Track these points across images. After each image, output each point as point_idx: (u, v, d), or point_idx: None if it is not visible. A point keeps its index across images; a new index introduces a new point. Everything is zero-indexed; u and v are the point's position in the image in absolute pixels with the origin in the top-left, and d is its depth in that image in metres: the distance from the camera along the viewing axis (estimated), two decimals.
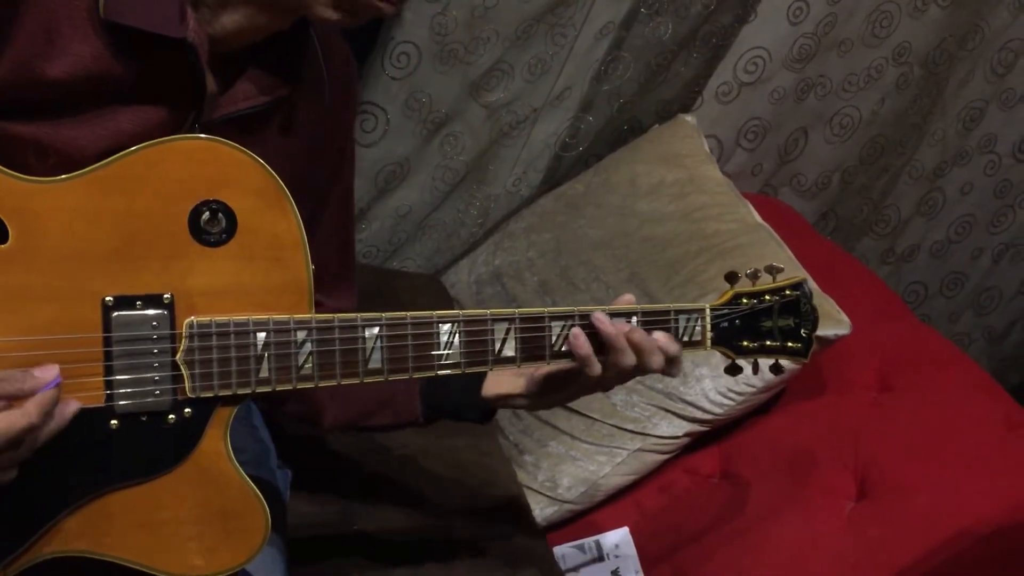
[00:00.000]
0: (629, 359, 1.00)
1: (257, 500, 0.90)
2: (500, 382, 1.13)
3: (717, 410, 1.58)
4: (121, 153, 0.83)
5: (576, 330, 0.98)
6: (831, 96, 2.12)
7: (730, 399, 1.57)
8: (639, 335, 1.00)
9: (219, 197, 0.85)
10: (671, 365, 1.03)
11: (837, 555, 1.43)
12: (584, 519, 1.64)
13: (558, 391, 1.08)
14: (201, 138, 0.86)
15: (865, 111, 2.16)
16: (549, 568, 1.44)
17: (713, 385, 1.58)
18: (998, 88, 2.24)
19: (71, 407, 0.81)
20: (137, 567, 0.89)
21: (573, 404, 1.54)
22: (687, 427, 1.60)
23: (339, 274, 1.16)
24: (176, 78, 0.88)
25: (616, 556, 1.56)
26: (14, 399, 0.78)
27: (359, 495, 1.39)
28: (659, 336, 1.01)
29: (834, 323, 1.57)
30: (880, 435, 1.55)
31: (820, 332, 1.53)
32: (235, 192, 0.85)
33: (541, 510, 1.60)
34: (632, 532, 1.58)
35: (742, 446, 1.63)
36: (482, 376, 1.13)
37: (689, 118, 2.03)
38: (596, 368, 1.00)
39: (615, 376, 1.02)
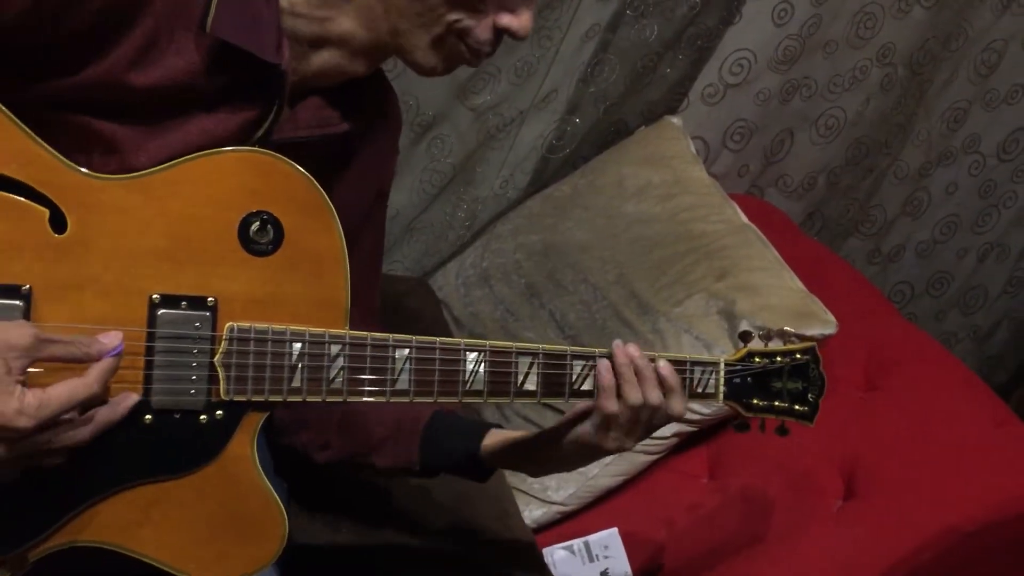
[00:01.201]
0: (635, 394, 1.00)
1: (277, 509, 0.92)
2: (502, 437, 1.13)
3: (705, 410, 1.58)
4: (181, 159, 0.86)
5: (604, 362, 1.00)
6: (816, 97, 2.13)
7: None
8: (642, 362, 1.00)
9: (269, 209, 0.88)
10: (671, 397, 1.02)
11: (826, 553, 1.43)
12: (573, 520, 1.64)
13: (556, 445, 1.07)
14: (258, 151, 0.89)
15: (850, 112, 2.17)
16: (539, 569, 1.44)
17: None
18: (982, 88, 2.26)
19: (130, 398, 0.85)
20: (151, 562, 0.90)
21: (561, 405, 1.55)
22: (675, 427, 1.60)
23: (362, 314, 1.15)
24: (254, 100, 0.91)
25: (605, 557, 1.57)
26: (81, 362, 0.80)
27: (349, 502, 1.39)
28: (660, 365, 1.02)
29: (821, 323, 1.57)
30: (867, 434, 1.56)
31: (807, 332, 1.55)
32: (285, 206, 0.88)
33: (531, 512, 1.60)
34: (621, 532, 1.58)
35: (730, 447, 1.64)
36: (482, 434, 1.14)
37: (675, 120, 2.03)
38: (613, 405, 1.00)
39: (624, 423, 1.02)
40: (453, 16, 0.90)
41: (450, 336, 1.88)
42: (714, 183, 1.95)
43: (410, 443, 1.15)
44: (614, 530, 1.58)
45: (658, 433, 1.57)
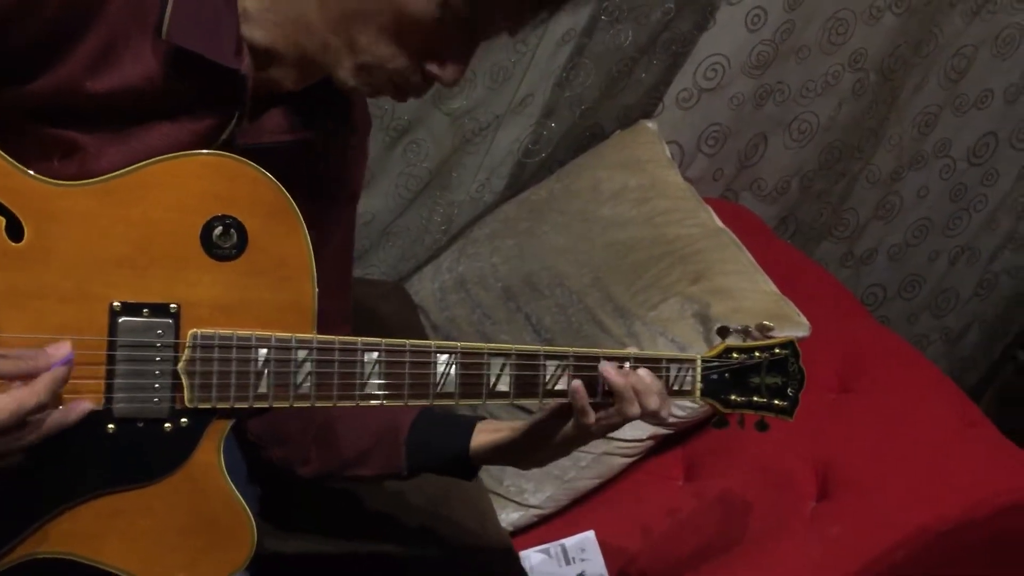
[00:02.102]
0: (634, 409, 1.01)
1: (245, 516, 0.91)
2: (488, 437, 1.14)
3: (680, 413, 1.59)
4: (141, 163, 0.84)
5: (577, 382, 1.00)
6: (789, 102, 2.14)
7: (693, 403, 1.59)
8: (635, 378, 1.01)
9: (233, 213, 0.86)
10: (661, 402, 1.04)
11: (800, 553, 1.44)
12: (550, 523, 1.64)
13: (544, 445, 1.09)
14: (220, 155, 0.87)
15: (823, 117, 2.19)
16: (516, 573, 1.44)
17: None
18: (952, 93, 2.28)
19: (82, 406, 0.83)
20: (119, 573, 0.89)
21: (534, 406, 1.55)
22: (651, 430, 1.61)
23: (334, 318, 1.15)
24: (217, 105, 0.90)
25: (582, 560, 1.57)
26: (29, 376, 0.79)
27: (322, 507, 1.38)
28: (642, 373, 1.03)
29: (793, 325, 1.59)
30: (840, 435, 1.57)
31: (780, 334, 1.56)
32: (249, 209, 0.87)
33: (507, 515, 1.60)
34: (597, 535, 1.59)
35: (705, 448, 1.64)
36: (470, 432, 1.14)
37: (650, 124, 2.04)
38: (591, 417, 1.01)
39: (606, 425, 1.03)
40: (382, 50, 0.88)
41: (426, 340, 1.89)
42: (689, 187, 1.96)
43: (395, 449, 1.15)
44: (590, 533, 1.59)
45: (633, 435, 1.60)
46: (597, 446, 1.61)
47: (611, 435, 1.59)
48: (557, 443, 1.08)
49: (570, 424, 1.05)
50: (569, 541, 1.59)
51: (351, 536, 1.37)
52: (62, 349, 0.81)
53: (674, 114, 2.07)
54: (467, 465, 1.15)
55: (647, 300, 1.71)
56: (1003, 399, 2.74)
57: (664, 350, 1.61)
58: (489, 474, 1.63)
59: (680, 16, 1.93)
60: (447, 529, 1.44)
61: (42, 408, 0.79)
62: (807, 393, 1.63)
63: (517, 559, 1.49)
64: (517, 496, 1.61)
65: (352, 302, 1.20)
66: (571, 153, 2.06)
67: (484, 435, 1.14)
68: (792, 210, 2.34)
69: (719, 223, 1.85)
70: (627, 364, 1.03)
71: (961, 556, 1.49)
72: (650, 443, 1.64)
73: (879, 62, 2.14)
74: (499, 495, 1.61)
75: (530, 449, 1.10)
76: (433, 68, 0.89)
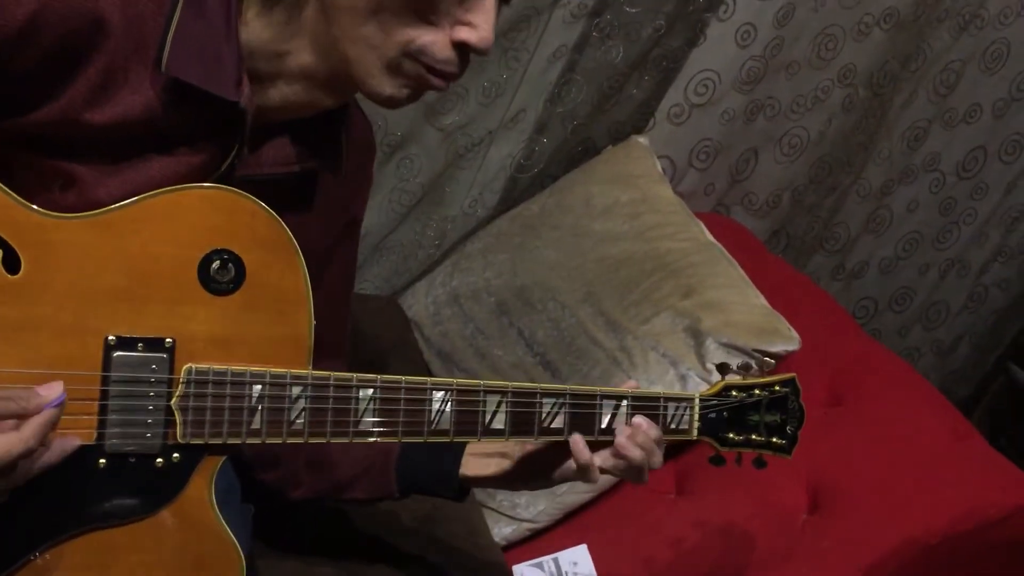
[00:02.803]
0: (637, 454, 1.02)
1: (235, 552, 0.90)
2: (480, 464, 1.14)
3: None
4: (140, 196, 0.84)
5: (576, 436, 1.00)
6: (780, 117, 2.16)
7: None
8: (642, 438, 1.02)
9: (231, 247, 0.86)
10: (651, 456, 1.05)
11: (791, 566, 1.45)
12: (542, 537, 1.64)
13: (539, 478, 1.09)
14: (219, 188, 0.87)
15: (813, 131, 2.20)
16: None
17: None
18: (941, 108, 2.30)
19: (71, 442, 0.82)
20: None
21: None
22: None
23: (330, 346, 1.14)
24: (216, 137, 0.89)
25: (575, 573, 1.57)
26: (18, 417, 0.78)
27: (315, 526, 1.38)
28: (639, 421, 1.03)
29: (784, 339, 1.59)
30: (831, 449, 1.57)
31: (770, 348, 1.57)
32: (247, 243, 0.87)
33: (499, 529, 1.61)
34: (590, 549, 1.59)
35: (697, 461, 1.65)
36: (460, 456, 1.14)
37: (642, 139, 2.06)
38: (595, 476, 1.02)
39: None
40: (406, 35, 0.84)
41: (420, 355, 1.89)
42: (680, 201, 1.97)
43: (385, 474, 1.15)
44: (583, 546, 1.59)
45: None
46: None
47: None
48: (554, 479, 1.08)
49: (564, 469, 1.06)
50: (562, 555, 1.59)
51: (345, 554, 1.36)
52: (54, 390, 0.80)
53: (665, 129, 2.08)
54: (458, 487, 1.15)
55: (639, 314, 1.72)
56: (993, 412, 2.75)
57: (655, 364, 1.61)
58: (482, 489, 1.63)
59: (671, 32, 1.94)
60: (440, 544, 1.44)
61: (30, 453, 0.78)
62: None
63: (510, 573, 1.50)
64: (510, 510, 1.62)
65: (349, 332, 1.18)
66: (563, 168, 2.07)
67: (474, 461, 1.14)
68: (783, 224, 2.35)
69: (710, 237, 1.86)
70: (624, 402, 1.02)
71: (950, 568, 1.50)
72: None
73: (868, 77, 2.16)
74: (492, 509, 1.62)
75: (525, 479, 1.11)
76: (462, 34, 0.85)
